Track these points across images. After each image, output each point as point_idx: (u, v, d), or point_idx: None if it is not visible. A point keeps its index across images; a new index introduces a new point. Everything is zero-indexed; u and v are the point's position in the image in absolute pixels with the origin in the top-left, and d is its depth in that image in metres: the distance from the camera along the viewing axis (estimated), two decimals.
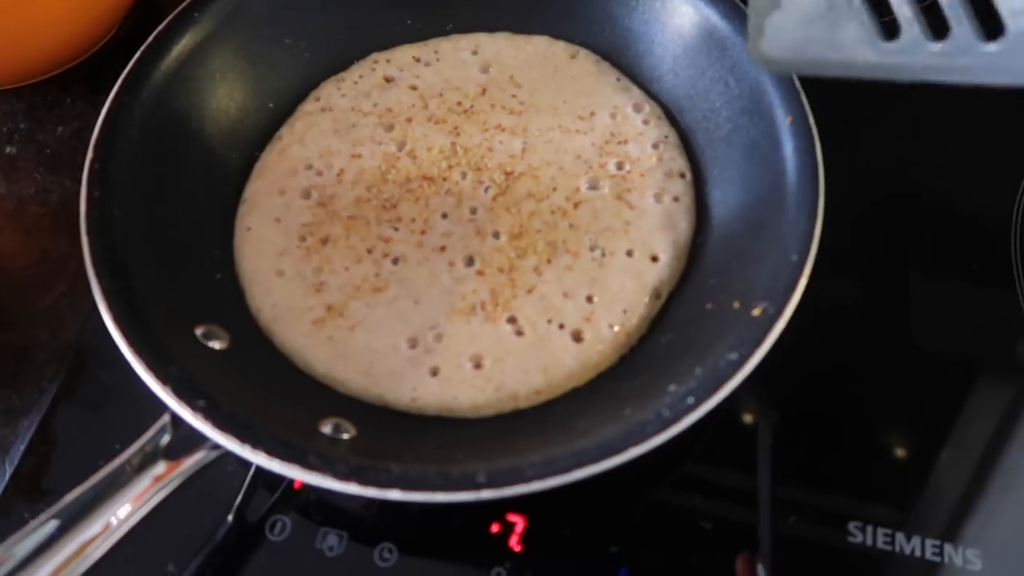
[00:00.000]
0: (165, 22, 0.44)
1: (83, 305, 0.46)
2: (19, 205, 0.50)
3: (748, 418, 0.43)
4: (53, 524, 0.32)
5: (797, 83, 0.42)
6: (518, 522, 0.39)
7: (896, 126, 0.53)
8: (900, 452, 0.42)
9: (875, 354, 0.45)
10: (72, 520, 0.32)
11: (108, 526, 0.33)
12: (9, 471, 0.42)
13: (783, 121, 0.41)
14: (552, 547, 0.39)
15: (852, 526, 0.39)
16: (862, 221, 0.48)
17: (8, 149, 0.52)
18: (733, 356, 0.34)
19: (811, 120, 0.40)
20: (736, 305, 0.37)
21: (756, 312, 0.36)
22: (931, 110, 0.53)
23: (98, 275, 0.37)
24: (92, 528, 0.32)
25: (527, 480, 0.32)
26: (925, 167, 0.52)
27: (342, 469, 0.32)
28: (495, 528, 0.39)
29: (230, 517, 0.40)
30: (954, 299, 0.47)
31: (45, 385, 0.44)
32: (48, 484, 0.41)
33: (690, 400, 0.33)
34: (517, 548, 0.39)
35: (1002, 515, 0.40)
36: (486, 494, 0.32)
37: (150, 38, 0.44)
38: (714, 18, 0.45)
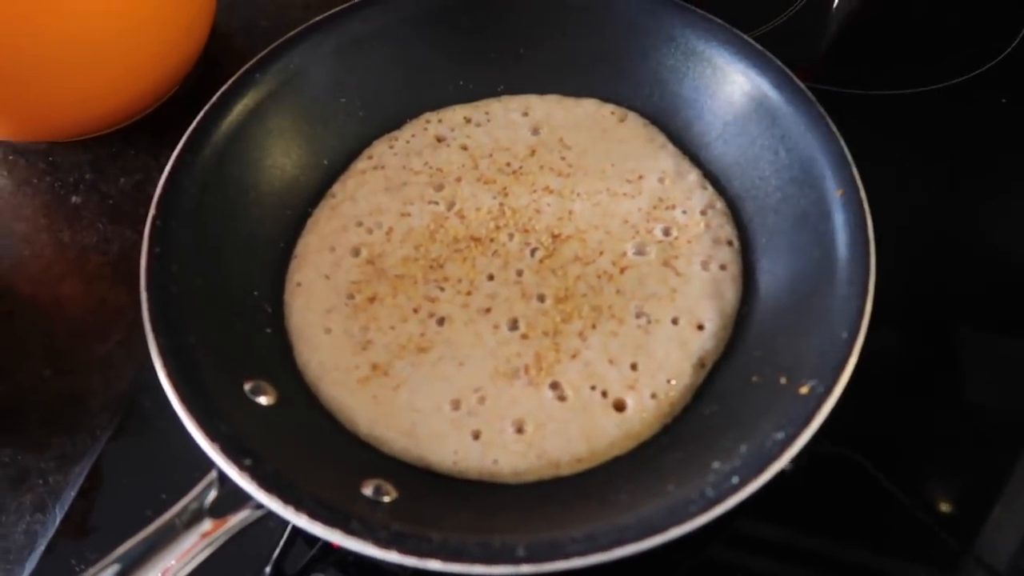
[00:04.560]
0: (227, 83, 0.46)
1: (137, 354, 0.48)
2: (81, 253, 0.52)
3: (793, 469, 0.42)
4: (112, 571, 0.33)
5: (848, 155, 0.41)
6: None
7: (946, 177, 0.53)
8: (946, 508, 0.41)
9: (922, 409, 0.44)
10: (124, 573, 0.33)
11: None
12: (60, 516, 0.43)
13: (834, 193, 0.41)
14: None
15: None
16: (911, 273, 0.47)
17: (73, 199, 0.54)
18: (780, 435, 0.34)
19: (862, 193, 0.40)
20: (783, 380, 0.37)
21: (804, 390, 0.35)
22: (982, 161, 0.53)
23: (155, 331, 0.38)
24: None
25: (567, 556, 0.32)
26: (973, 218, 0.51)
27: (383, 536, 0.33)
28: None
29: (268, 570, 0.40)
30: (1003, 356, 0.46)
31: (98, 433, 0.45)
32: (97, 531, 0.42)
33: (735, 480, 0.33)
34: None
35: None
36: (525, 568, 0.32)
37: (213, 98, 0.45)
38: (765, 87, 0.45)
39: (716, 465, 0.34)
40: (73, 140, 0.57)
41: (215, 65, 0.59)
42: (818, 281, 0.39)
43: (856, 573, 0.39)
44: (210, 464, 0.35)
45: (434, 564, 0.32)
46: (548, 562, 0.32)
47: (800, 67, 0.46)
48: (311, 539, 0.41)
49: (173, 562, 0.34)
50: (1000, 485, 0.41)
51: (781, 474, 0.41)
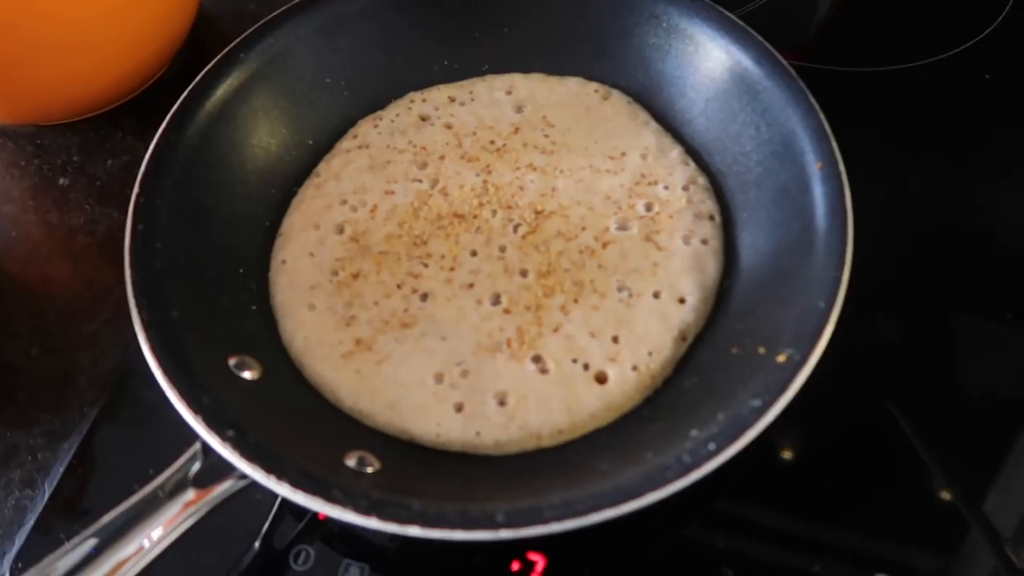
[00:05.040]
0: (212, 63, 0.46)
1: (124, 333, 0.48)
2: (69, 235, 0.52)
3: (781, 455, 0.42)
4: (91, 543, 0.33)
5: (827, 128, 0.41)
6: (538, 561, 0.39)
7: (931, 155, 0.53)
8: (941, 494, 0.41)
9: (918, 395, 0.44)
10: (108, 541, 0.34)
11: (141, 548, 0.34)
12: (48, 492, 0.43)
13: (813, 166, 0.41)
14: None
15: None
16: (905, 257, 0.48)
17: (61, 180, 0.54)
18: (756, 403, 0.34)
19: (841, 166, 0.40)
20: (762, 350, 0.37)
21: (781, 358, 0.35)
22: (967, 138, 0.54)
23: (139, 306, 0.38)
24: (126, 549, 0.34)
25: (545, 521, 0.32)
26: (960, 195, 0.51)
27: (363, 503, 0.33)
28: (515, 566, 0.39)
29: (257, 544, 0.41)
30: (998, 339, 0.46)
31: (85, 410, 0.46)
32: (85, 505, 0.43)
33: (711, 446, 0.33)
34: None
35: None
36: (504, 533, 0.32)
37: (197, 77, 0.46)
38: (746, 63, 0.45)
39: (694, 433, 0.35)
40: (61, 123, 0.57)
41: (202, 48, 0.60)
42: (798, 253, 0.40)
43: (851, 558, 0.40)
44: (197, 438, 0.36)
45: (414, 530, 0.32)
46: (526, 527, 0.32)
47: (787, 45, 0.46)
48: (298, 513, 0.41)
49: (160, 530, 0.34)
50: (995, 471, 0.42)
51: (776, 460, 0.42)
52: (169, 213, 0.42)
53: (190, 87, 0.45)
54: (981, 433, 0.43)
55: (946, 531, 0.40)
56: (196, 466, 0.36)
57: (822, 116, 0.42)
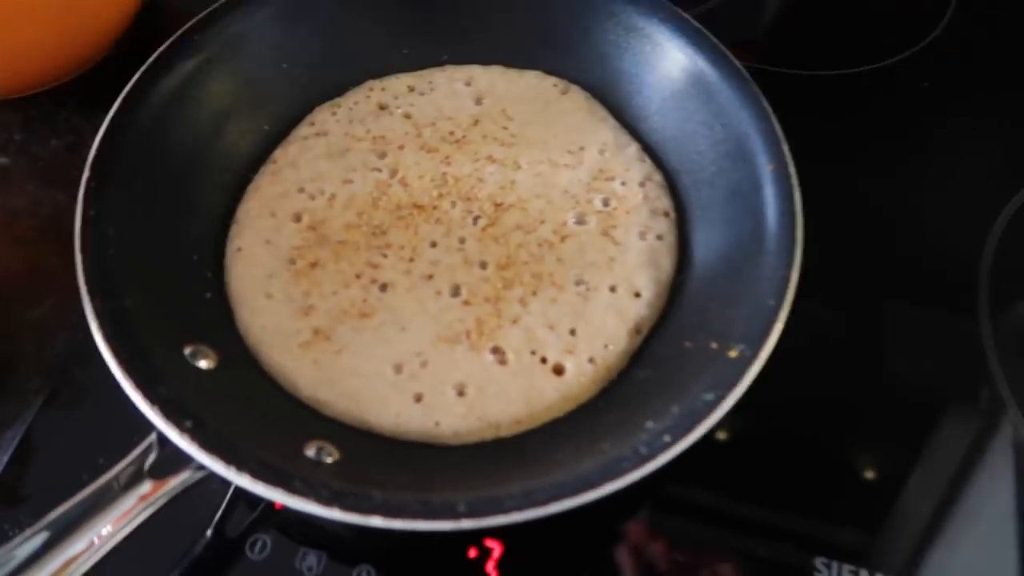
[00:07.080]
0: (166, 44, 0.45)
1: (71, 318, 0.47)
2: (11, 217, 0.50)
3: (725, 437, 0.44)
4: (39, 539, 0.33)
5: (779, 131, 0.43)
6: (495, 548, 0.40)
7: (871, 156, 0.55)
8: (869, 475, 0.43)
9: (847, 380, 0.46)
10: (58, 536, 0.33)
11: (92, 544, 0.33)
12: None
13: (765, 168, 0.42)
14: (528, 573, 0.40)
15: (819, 562, 0.40)
16: (837, 249, 0.49)
17: (2, 160, 0.52)
18: (709, 396, 0.35)
19: (792, 168, 0.42)
20: (714, 345, 0.38)
21: (733, 354, 0.37)
22: (909, 144, 0.56)
23: (91, 294, 0.37)
24: (77, 545, 0.33)
25: (506, 511, 0.33)
26: (902, 199, 0.54)
27: (325, 494, 0.33)
28: (472, 553, 0.40)
29: (209, 533, 0.41)
30: (925, 330, 0.49)
31: (30, 398, 0.44)
32: (31, 497, 0.41)
33: (666, 438, 0.34)
34: (493, 574, 0.40)
35: (962, 550, 0.41)
36: (465, 523, 0.33)
37: (151, 58, 0.44)
38: (702, 64, 0.46)
39: (649, 425, 0.36)
40: (1, 100, 0.55)
41: (151, 28, 0.58)
42: (749, 252, 0.41)
43: (781, 536, 0.41)
44: (149, 428, 0.35)
45: (376, 521, 0.33)
46: (488, 517, 0.33)
47: (739, 46, 0.47)
48: (253, 502, 0.41)
49: (110, 527, 0.34)
50: (917, 455, 0.44)
51: (713, 442, 0.44)
52: (121, 198, 0.41)
53: (143, 68, 0.44)
54: (907, 418, 0.45)
55: (878, 513, 0.42)
56: (152, 457, 0.35)
57: (775, 120, 0.43)
